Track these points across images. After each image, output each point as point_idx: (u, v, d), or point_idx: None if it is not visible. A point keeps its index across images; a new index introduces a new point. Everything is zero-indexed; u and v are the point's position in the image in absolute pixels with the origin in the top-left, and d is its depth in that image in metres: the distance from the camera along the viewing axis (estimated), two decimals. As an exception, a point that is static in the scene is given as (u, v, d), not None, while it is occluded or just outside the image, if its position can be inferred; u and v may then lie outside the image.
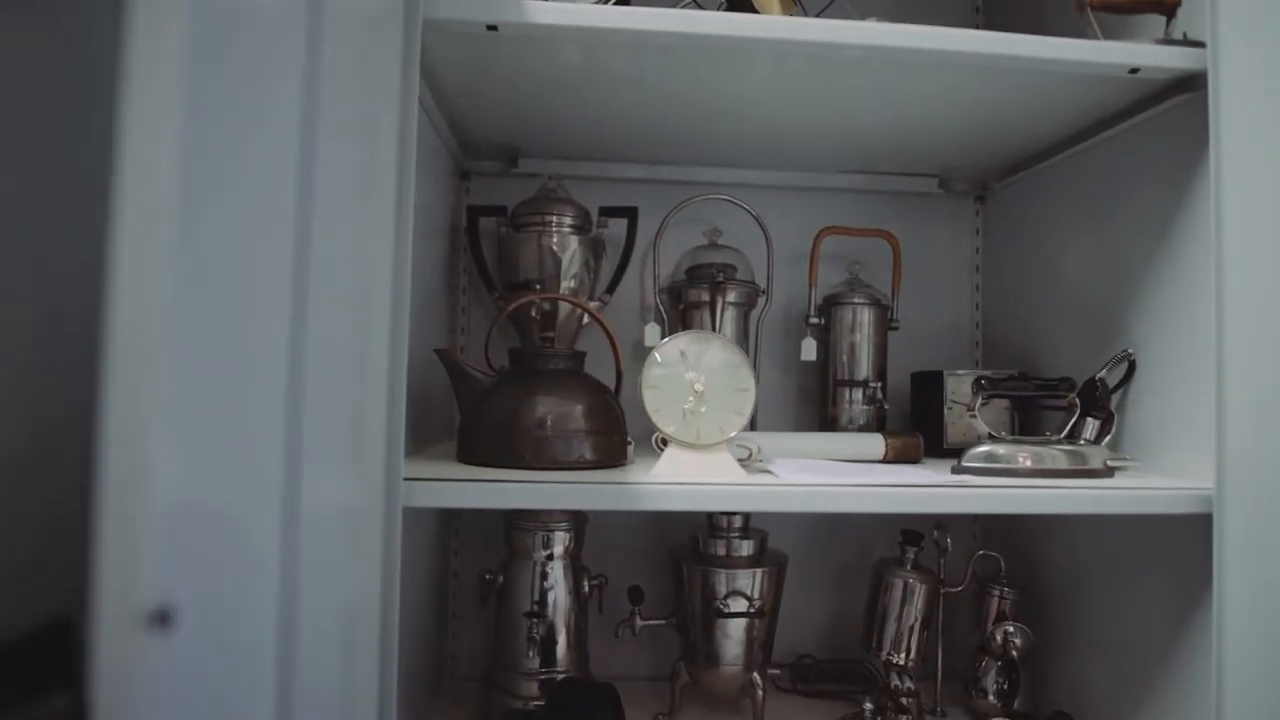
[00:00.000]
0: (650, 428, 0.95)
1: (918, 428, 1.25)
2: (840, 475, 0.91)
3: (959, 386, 1.23)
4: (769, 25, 0.88)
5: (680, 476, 0.88)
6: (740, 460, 0.95)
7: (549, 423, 0.94)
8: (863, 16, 1.08)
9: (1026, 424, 1.23)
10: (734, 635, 1.16)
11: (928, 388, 1.27)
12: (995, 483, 0.91)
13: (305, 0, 0.52)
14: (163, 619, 0.30)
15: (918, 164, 1.37)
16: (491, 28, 0.83)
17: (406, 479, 0.77)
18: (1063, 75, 0.94)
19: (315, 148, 0.53)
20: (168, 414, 0.34)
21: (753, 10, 1.05)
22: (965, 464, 0.99)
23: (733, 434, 0.93)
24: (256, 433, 0.44)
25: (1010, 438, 1.02)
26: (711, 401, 0.94)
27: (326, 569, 0.59)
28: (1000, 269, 1.41)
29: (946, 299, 1.44)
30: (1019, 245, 1.35)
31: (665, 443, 0.96)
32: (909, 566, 1.21)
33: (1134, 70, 0.90)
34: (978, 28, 1.46)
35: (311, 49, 0.52)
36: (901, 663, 1.20)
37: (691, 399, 0.93)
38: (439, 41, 0.85)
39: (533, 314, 1.17)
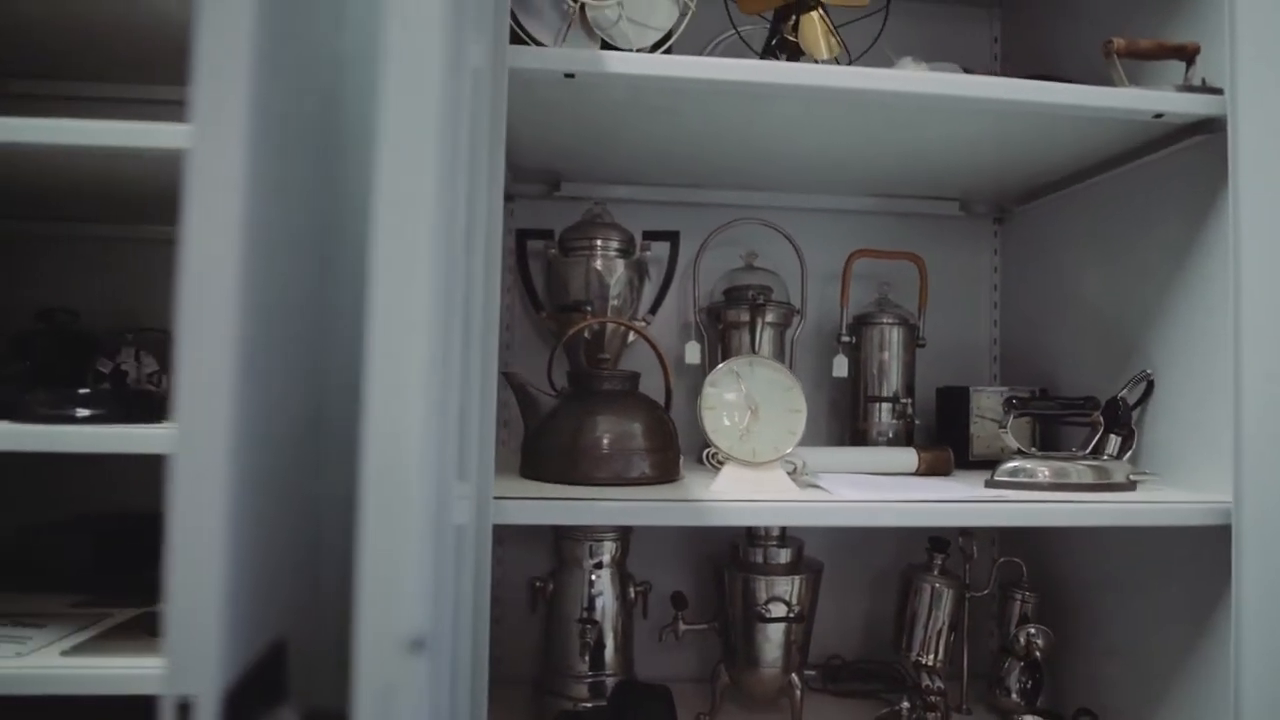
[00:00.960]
0: (698, 443, 1.01)
1: (943, 440, 1.32)
2: (889, 491, 0.98)
3: (984, 401, 1.30)
4: (804, 74, 0.94)
5: (739, 493, 0.94)
6: (788, 474, 1.02)
7: (611, 441, 1.00)
8: (897, 56, 1.15)
9: (1048, 438, 1.30)
10: (774, 639, 1.22)
11: (953, 402, 1.34)
12: (1029, 497, 0.98)
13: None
14: (419, 645, 0.36)
15: (940, 188, 1.44)
16: (569, 75, 0.89)
17: (496, 497, 0.83)
18: (1089, 119, 1.01)
19: (457, 196, 0.59)
20: (425, 449, 0.40)
21: (796, 46, 1.11)
22: (997, 478, 1.06)
23: (787, 451, 0.99)
24: (446, 459, 0.50)
25: (1039, 453, 1.09)
26: (765, 421, 1.00)
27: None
28: (1018, 288, 1.48)
29: (966, 316, 1.51)
30: (1037, 266, 1.42)
31: (718, 459, 1.03)
32: (936, 572, 1.28)
33: (1158, 115, 0.97)
34: (995, 59, 1.53)
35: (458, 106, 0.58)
36: (930, 663, 1.27)
37: (747, 420, 1.00)
38: (520, 89, 0.91)
39: (584, 334, 1.23)
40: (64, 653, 0.86)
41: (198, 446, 0.43)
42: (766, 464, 0.99)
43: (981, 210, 1.50)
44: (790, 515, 0.94)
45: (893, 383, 1.34)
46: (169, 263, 1.46)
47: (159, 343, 1.19)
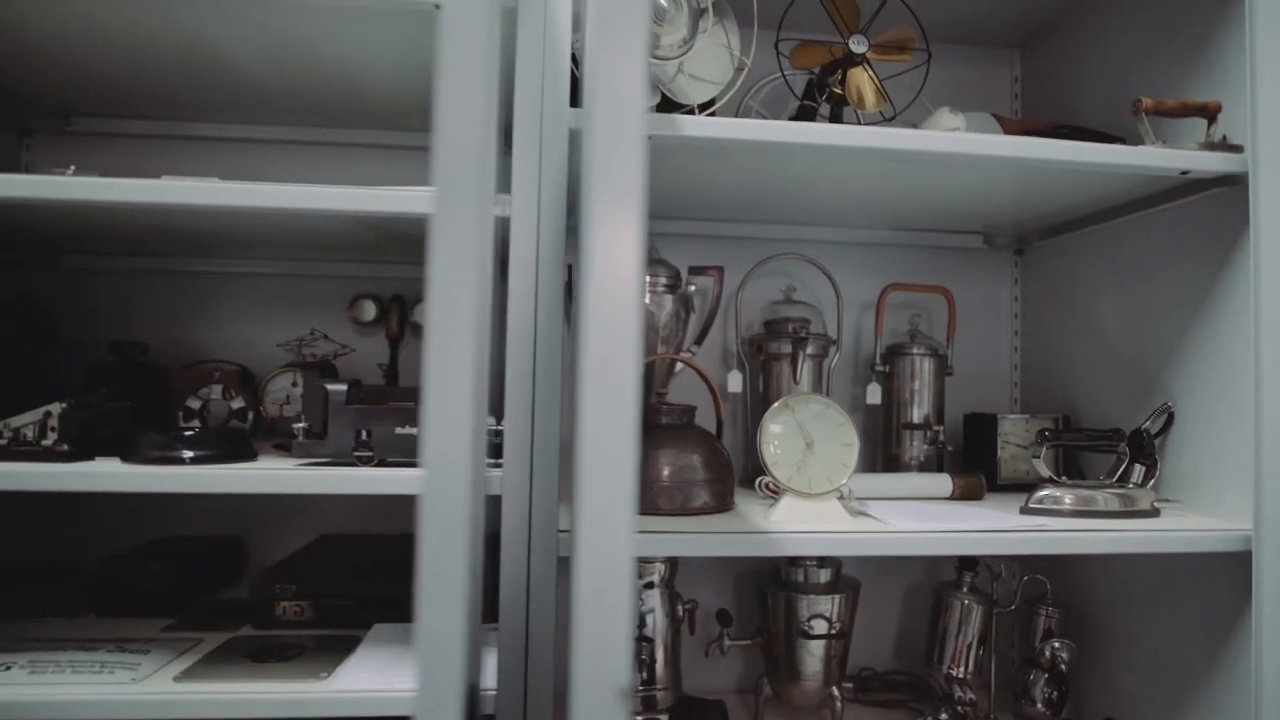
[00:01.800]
0: (752, 473, 1.07)
1: (970, 465, 1.40)
2: (939, 520, 1.05)
3: (1009, 428, 1.38)
4: (843, 135, 1.01)
5: (798, 524, 1.01)
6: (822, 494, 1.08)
7: (673, 473, 1.07)
8: (934, 106, 1.22)
9: (1069, 464, 1.38)
10: (815, 654, 1.29)
11: (981, 428, 1.41)
12: (1070, 526, 1.05)
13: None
14: (625, 693, 0.42)
15: (964, 223, 1.52)
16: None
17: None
18: (1117, 175, 1.09)
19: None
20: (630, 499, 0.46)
21: (843, 98, 1.18)
22: (1032, 505, 1.14)
23: (841, 483, 1.06)
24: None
25: (1069, 482, 1.17)
26: (820, 455, 1.07)
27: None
28: (1039, 317, 1.56)
29: (987, 343, 1.59)
30: (1057, 297, 1.50)
31: (771, 488, 1.09)
32: (966, 589, 1.36)
33: (1184, 173, 1.05)
34: (1015, 97, 1.61)
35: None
36: (961, 675, 1.34)
37: (803, 453, 1.07)
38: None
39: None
40: (176, 678, 0.92)
41: (448, 488, 0.49)
42: (821, 495, 1.06)
43: (1003, 243, 1.58)
44: (855, 546, 1.00)
45: (924, 410, 1.41)
46: (225, 294, 1.54)
47: (237, 378, 1.24)
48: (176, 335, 1.41)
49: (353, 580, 1.13)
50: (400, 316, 1.39)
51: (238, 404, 1.16)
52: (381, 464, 0.93)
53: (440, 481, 0.50)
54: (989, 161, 1.05)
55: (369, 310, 1.39)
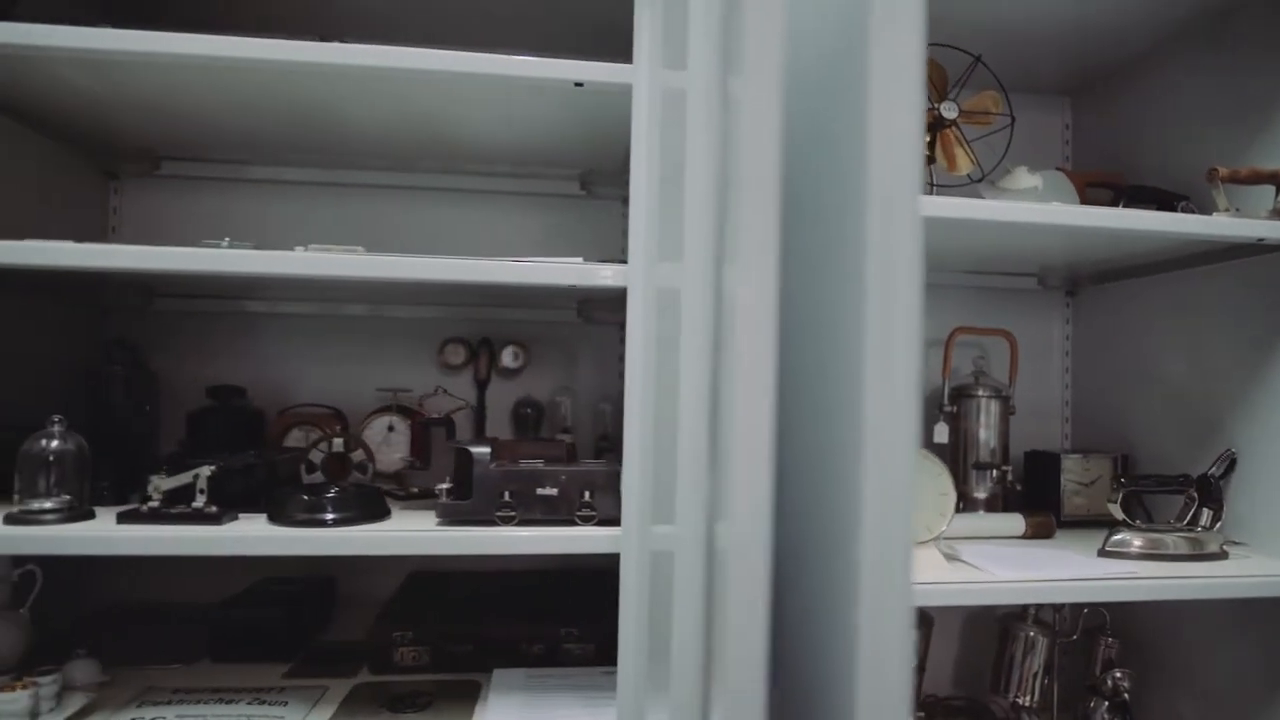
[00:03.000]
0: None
1: (1032, 502, 1.47)
2: (1029, 565, 1.11)
3: (1074, 467, 1.45)
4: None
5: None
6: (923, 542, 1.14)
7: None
8: (1013, 166, 1.28)
9: (1131, 504, 1.45)
10: (893, 685, 1.35)
11: (1043, 466, 1.48)
12: (1143, 568, 1.12)
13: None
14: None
15: (1021, 267, 1.58)
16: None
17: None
18: (1190, 239, 1.16)
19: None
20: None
21: (930, 158, 1.24)
22: (1109, 549, 1.20)
23: (940, 531, 1.12)
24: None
25: (1142, 525, 1.24)
26: (919, 505, 1.13)
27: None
28: (1090, 357, 1.63)
29: (1037, 380, 1.66)
30: (1110, 338, 1.57)
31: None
32: (1030, 620, 1.43)
33: (1260, 240, 1.12)
34: (1066, 143, 1.68)
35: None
36: (1027, 703, 1.41)
37: (905, 504, 1.12)
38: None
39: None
40: (325, 731, 0.96)
41: (750, 542, 0.54)
42: (921, 544, 1.12)
43: (1055, 284, 1.64)
44: (964, 596, 1.06)
45: (991, 449, 1.47)
46: (311, 335, 1.56)
47: (334, 423, 1.27)
48: (263, 376, 1.43)
49: (466, 624, 1.17)
50: (489, 360, 1.42)
51: (356, 455, 1.19)
52: (522, 523, 0.97)
53: (745, 536, 0.54)
54: (1070, 231, 1.11)
55: (459, 354, 1.42)
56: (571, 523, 0.99)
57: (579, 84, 1.00)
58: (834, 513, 0.67)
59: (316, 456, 1.13)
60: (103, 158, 1.40)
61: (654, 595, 0.88)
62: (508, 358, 1.43)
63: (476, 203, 1.51)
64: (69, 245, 0.93)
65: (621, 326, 1.52)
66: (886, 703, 0.48)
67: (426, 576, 1.40)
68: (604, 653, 1.18)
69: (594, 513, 0.98)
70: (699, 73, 0.70)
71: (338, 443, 1.12)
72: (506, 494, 0.97)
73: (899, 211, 0.56)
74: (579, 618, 1.20)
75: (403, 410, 1.37)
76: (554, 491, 0.98)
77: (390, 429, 1.35)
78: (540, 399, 1.46)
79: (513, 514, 0.97)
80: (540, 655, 1.17)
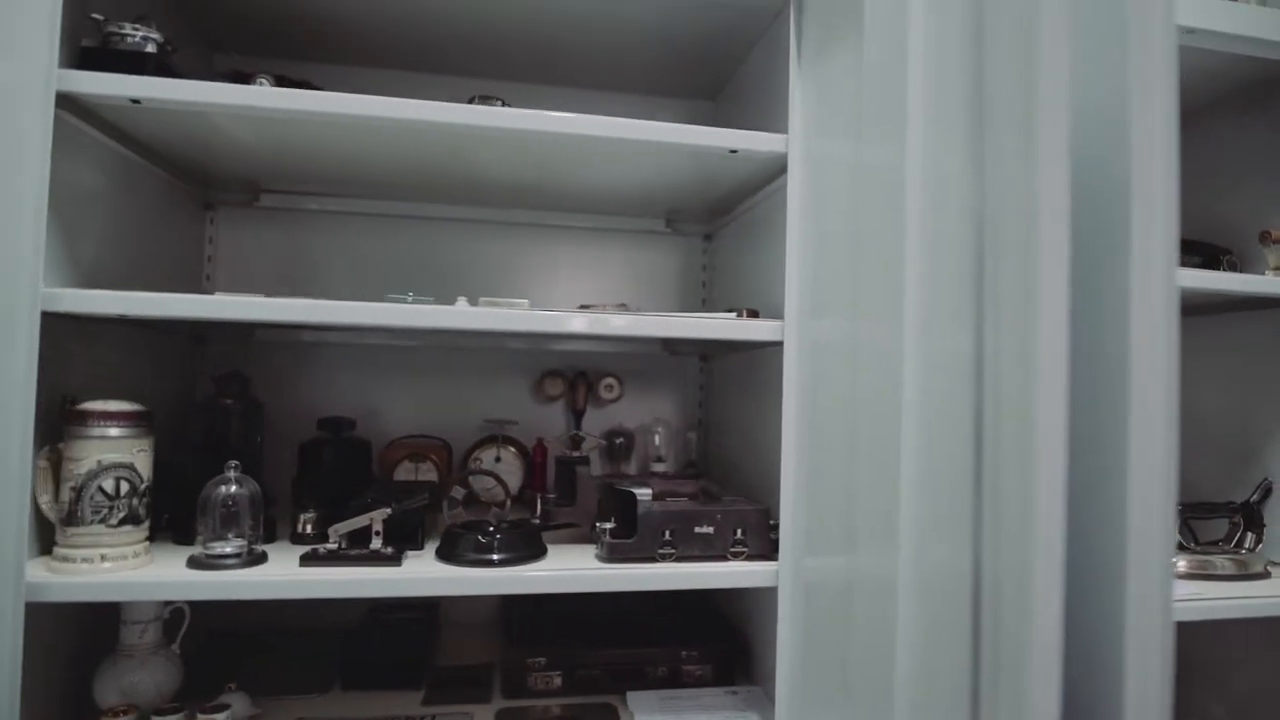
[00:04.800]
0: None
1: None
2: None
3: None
4: None
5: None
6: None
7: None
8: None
9: (1180, 530, 1.59)
10: None
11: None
12: (1193, 588, 1.25)
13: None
14: None
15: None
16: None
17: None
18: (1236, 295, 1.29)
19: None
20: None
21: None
22: (1168, 569, 1.33)
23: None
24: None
25: (1196, 548, 1.37)
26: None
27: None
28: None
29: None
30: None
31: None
32: (1079, 632, 1.56)
33: (1310, 296, 1.26)
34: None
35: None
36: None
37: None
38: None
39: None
40: (497, 761, 1.01)
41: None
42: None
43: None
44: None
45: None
46: (404, 366, 1.59)
47: (444, 454, 1.31)
48: (362, 406, 1.46)
49: (593, 648, 1.23)
50: (586, 391, 1.48)
51: (494, 491, 1.23)
52: (679, 559, 1.04)
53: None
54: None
55: (557, 386, 1.47)
56: (724, 558, 1.06)
57: (733, 151, 1.07)
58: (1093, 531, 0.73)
59: (459, 493, 1.17)
60: (203, 188, 1.41)
61: (823, 625, 0.96)
62: (604, 390, 1.49)
63: (560, 237, 1.56)
64: (194, 298, 0.98)
65: (702, 358, 1.60)
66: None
67: (519, 600, 1.44)
68: (721, 673, 1.25)
69: (745, 548, 1.06)
70: (914, 146, 0.77)
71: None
72: (667, 532, 1.04)
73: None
74: (693, 641, 1.27)
75: (508, 441, 1.42)
76: (710, 530, 1.05)
77: (498, 459, 1.40)
78: (630, 428, 1.52)
79: (673, 550, 1.04)
80: (664, 677, 1.24)
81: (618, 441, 1.50)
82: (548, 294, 1.52)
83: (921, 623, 0.75)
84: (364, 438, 1.40)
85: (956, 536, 0.72)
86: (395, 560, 1.00)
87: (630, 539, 1.04)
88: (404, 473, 1.37)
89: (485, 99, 1.08)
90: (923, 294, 0.77)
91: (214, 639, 1.27)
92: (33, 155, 0.87)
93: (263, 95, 0.96)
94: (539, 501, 1.23)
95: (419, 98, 1.00)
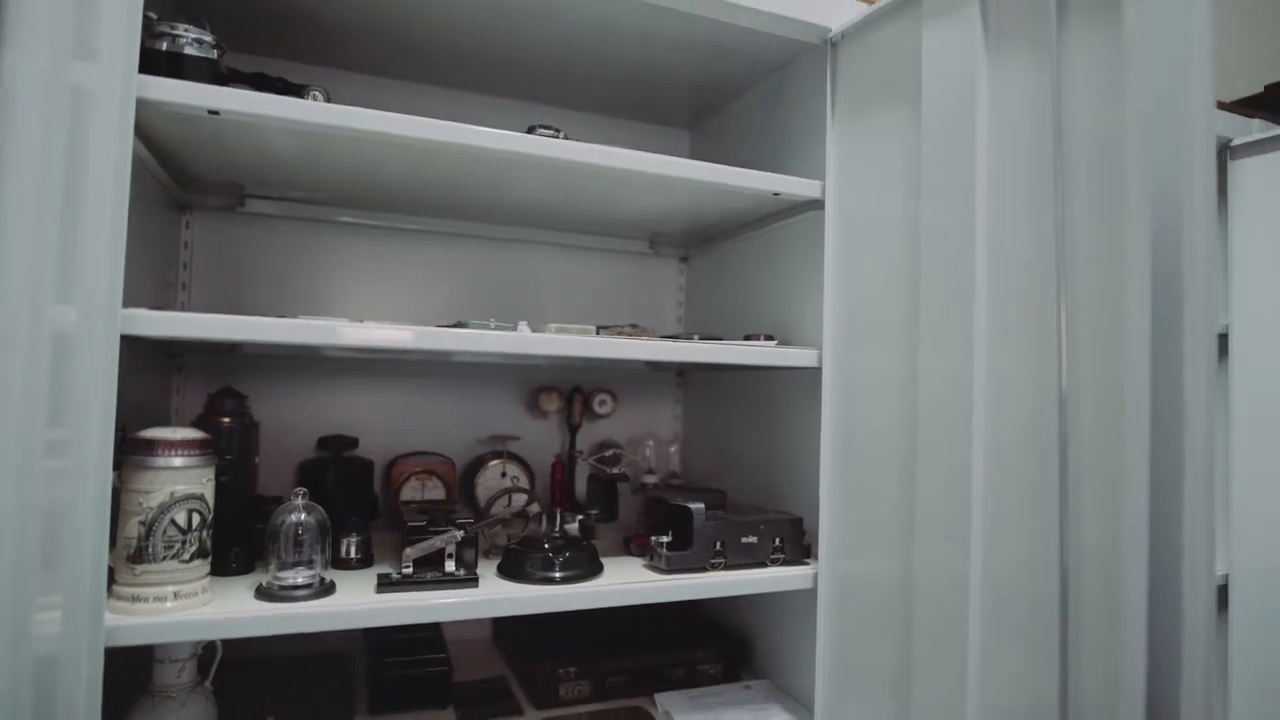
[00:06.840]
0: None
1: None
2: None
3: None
4: None
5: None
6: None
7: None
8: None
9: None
10: None
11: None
12: None
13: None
14: None
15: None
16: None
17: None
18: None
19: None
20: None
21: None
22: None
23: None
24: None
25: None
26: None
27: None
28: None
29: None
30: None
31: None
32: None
33: None
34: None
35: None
36: None
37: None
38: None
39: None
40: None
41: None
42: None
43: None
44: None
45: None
46: (404, 384, 1.60)
47: (451, 471, 1.31)
48: (357, 421, 1.42)
49: (617, 655, 1.29)
50: (583, 406, 1.53)
51: (532, 508, 1.25)
52: (726, 568, 1.13)
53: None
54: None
55: (553, 401, 1.51)
56: (763, 564, 1.16)
57: (776, 194, 1.17)
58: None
59: (534, 509, 1.19)
60: (180, 189, 1.31)
61: (856, 621, 1.08)
62: (598, 405, 1.54)
63: (548, 255, 1.59)
64: (284, 322, 0.95)
65: (678, 373, 1.69)
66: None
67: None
68: (730, 670, 1.35)
69: (782, 554, 1.17)
70: (981, 209, 0.91)
71: (519, 499, 1.19)
72: (718, 543, 1.12)
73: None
74: (706, 642, 1.36)
75: (512, 457, 1.44)
76: (754, 539, 1.15)
77: (503, 475, 1.42)
78: (621, 442, 1.58)
79: (722, 560, 1.13)
80: (682, 678, 1.32)
81: (608, 454, 1.56)
82: (537, 310, 1.55)
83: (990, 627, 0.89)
84: (366, 457, 1.37)
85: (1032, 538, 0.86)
86: (472, 582, 1.01)
87: (687, 550, 1.11)
88: (410, 491, 1.35)
89: (544, 128, 1.10)
90: (985, 325, 0.91)
91: (223, 670, 1.19)
92: (108, 164, 0.81)
93: (348, 115, 0.94)
94: (559, 516, 1.27)
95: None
